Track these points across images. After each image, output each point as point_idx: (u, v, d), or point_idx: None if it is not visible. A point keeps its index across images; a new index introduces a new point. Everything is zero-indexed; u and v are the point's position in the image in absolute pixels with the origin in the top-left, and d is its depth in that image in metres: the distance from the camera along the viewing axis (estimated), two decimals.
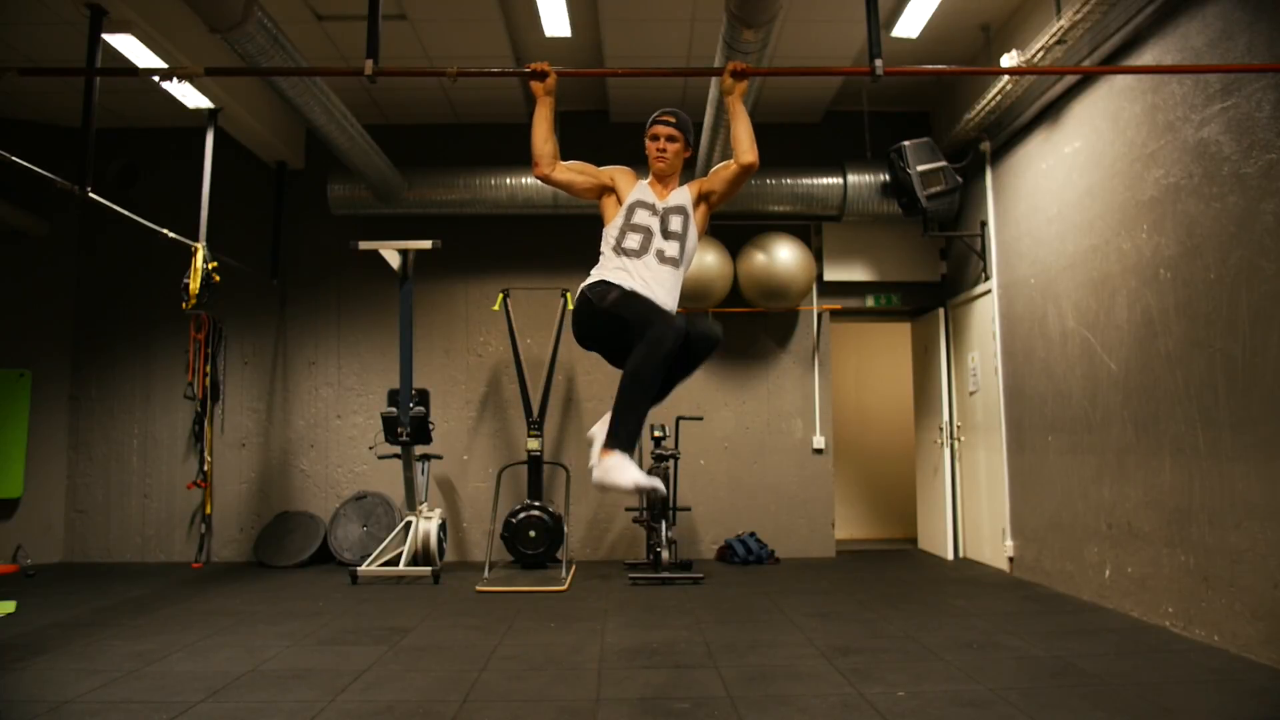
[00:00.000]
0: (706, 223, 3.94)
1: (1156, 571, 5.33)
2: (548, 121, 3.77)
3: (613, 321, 3.52)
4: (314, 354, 8.84)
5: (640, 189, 3.83)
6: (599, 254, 3.81)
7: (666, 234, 3.73)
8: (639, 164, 3.93)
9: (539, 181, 3.77)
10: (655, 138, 3.85)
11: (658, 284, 3.65)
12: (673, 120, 3.86)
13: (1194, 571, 4.97)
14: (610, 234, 3.78)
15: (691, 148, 3.93)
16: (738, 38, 5.66)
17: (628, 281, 3.61)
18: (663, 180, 3.88)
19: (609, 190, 3.84)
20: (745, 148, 3.74)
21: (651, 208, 3.76)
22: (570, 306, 8.09)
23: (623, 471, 3.33)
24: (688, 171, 4.11)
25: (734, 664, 4.53)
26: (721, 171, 3.86)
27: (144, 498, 8.62)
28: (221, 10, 5.35)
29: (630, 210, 3.76)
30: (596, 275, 3.69)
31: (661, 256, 3.68)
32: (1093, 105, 6.13)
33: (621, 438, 3.41)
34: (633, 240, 3.71)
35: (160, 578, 7.52)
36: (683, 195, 3.85)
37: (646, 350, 3.36)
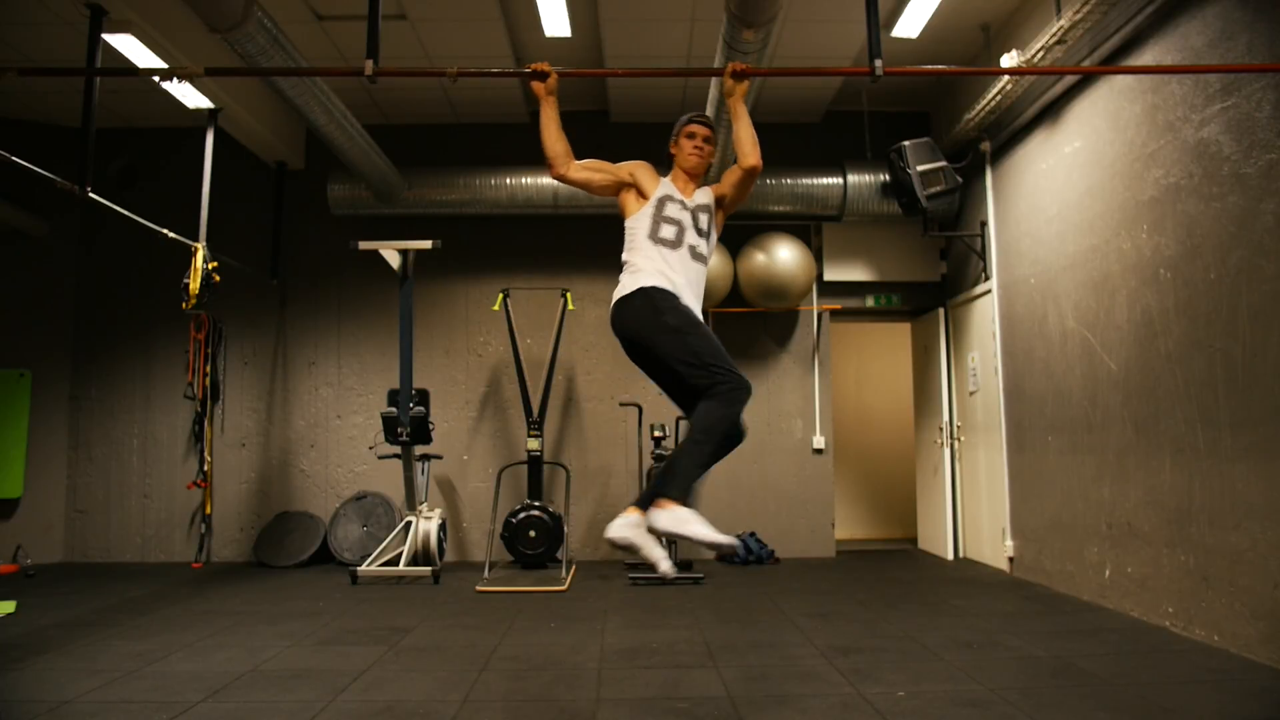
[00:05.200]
0: (721, 226, 3.95)
1: (1156, 571, 5.33)
2: (555, 121, 3.75)
3: (672, 342, 3.48)
4: (314, 354, 8.84)
5: (666, 185, 3.80)
6: (625, 251, 3.73)
7: (698, 230, 3.73)
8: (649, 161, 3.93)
9: (553, 181, 3.77)
10: (693, 135, 3.84)
11: (692, 285, 3.65)
12: (711, 126, 3.89)
13: (1194, 571, 4.97)
14: (641, 223, 3.71)
15: (715, 158, 3.97)
16: (738, 38, 5.66)
17: (685, 296, 3.58)
18: (690, 178, 3.87)
19: (628, 186, 3.80)
20: (748, 150, 3.73)
21: (681, 203, 3.75)
22: (571, 306, 8.19)
23: (690, 525, 3.29)
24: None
25: (734, 664, 4.53)
26: (729, 176, 3.86)
27: (144, 498, 8.62)
28: (221, 10, 5.35)
29: (661, 203, 3.73)
30: (649, 278, 3.57)
31: (694, 252, 3.68)
32: (1093, 105, 6.13)
33: (682, 488, 3.37)
34: (668, 231, 3.67)
35: (160, 578, 7.52)
36: (706, 195, 3.85)
37: (728, 407, 3.40)
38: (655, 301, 3.52)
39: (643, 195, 3.78)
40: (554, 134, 3.73)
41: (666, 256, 3.63)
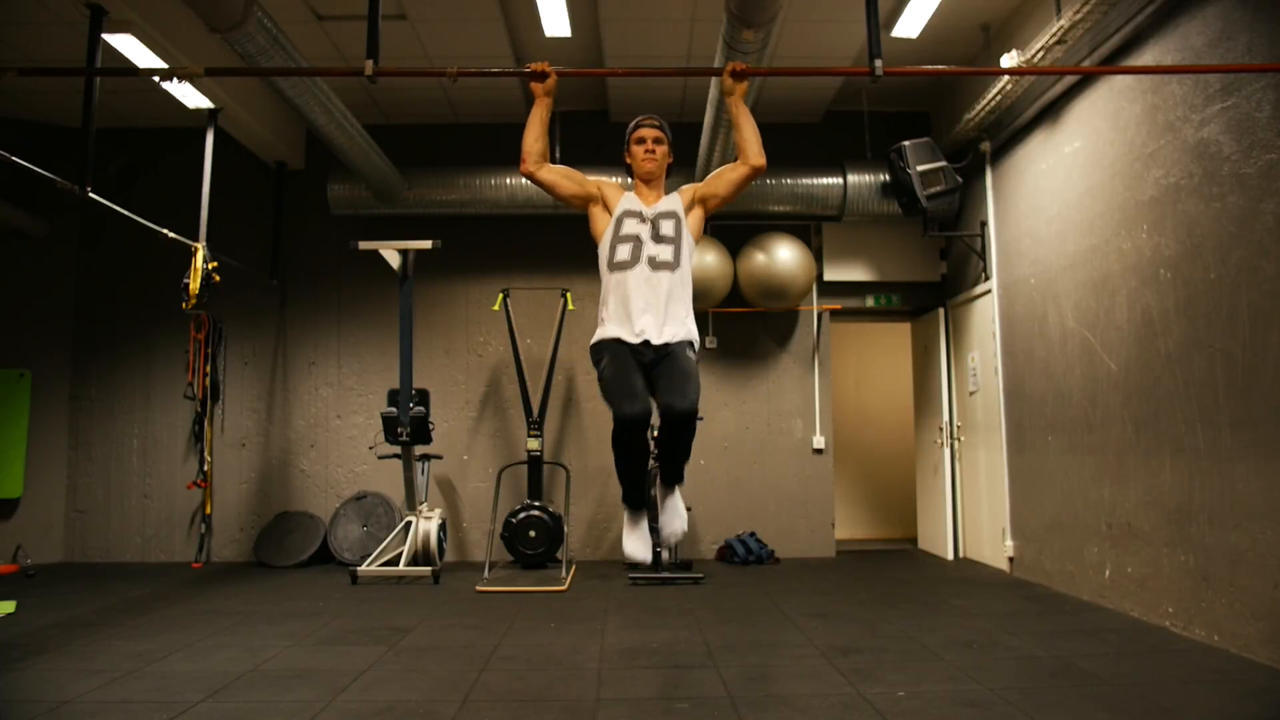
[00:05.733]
0: (702, 226, 3.93)
1: (1156, 571, 5.33)
2: (542, 121, 3.79)
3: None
4: (314, 354, 8.84)
5: (628, 199, 3.85)
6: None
7: (658, 238, 3.73)
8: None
9: (526, 179, 3.83)
10: (642, 140, 3.89)
11: (655, 297, 3.65)
12: (657, 124, 3.91)
13: (1194, 571, 4.97)
14: (602, 251, 3.80)
15: (672, 154, 3.97)
16: (738, 38, 5.66)
17: (615, 328, 3.68)
18: (650, 184, 3.90)
19: (595, 200, 3.86)
20: (754, 150, 3.75)
21: (639, 215, 3.78)
22: (571, 307, 8.19)
23: (626, 538, 3.92)
24: (672, 179, 4.12)
25: (734, 664, 4.53)
26: (727, 174, 3.85)
27: (144, 498, 8.62)
28: (221, 10, 5.35)
29: (619, 221, 3.78)
30: (601, 329, 3.75)
31: (654, 263, 3.68)
32: (1092, 105, 6.13)
33: (624, 496, 3.97)
34: (623, 251, 3.72)
35: (160, 578, 7.52)
36: (672, 201, 3.86)
37: (613, 439, 3.74)
38: (594, 362, 3.80)
39: (608, 209, 3.84)
40: (537, 132, 3.78)
41: (622, 284, 3.71)
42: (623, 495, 3.93)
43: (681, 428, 3.60)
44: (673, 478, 3.90)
